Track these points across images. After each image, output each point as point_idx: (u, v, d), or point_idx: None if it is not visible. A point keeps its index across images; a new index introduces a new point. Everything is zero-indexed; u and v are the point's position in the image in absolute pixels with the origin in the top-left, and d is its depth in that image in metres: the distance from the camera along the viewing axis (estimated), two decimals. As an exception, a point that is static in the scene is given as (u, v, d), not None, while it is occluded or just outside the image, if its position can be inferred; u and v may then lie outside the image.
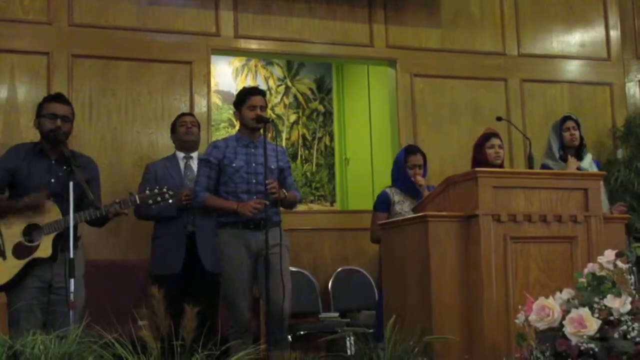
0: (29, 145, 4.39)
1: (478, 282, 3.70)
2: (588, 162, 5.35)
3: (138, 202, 4.32)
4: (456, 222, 3.79)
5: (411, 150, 5.33)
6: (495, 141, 5.21)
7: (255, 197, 4.56)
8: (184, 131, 5.39)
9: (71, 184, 3.96)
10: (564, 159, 5.31)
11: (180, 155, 5.38)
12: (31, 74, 5.87)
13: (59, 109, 4.29)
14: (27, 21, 5.91)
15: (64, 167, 4.13)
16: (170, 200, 4.42)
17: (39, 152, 4.30)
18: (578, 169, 5.24)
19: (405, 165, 5.22)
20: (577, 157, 5.33)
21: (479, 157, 5.19)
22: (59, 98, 4.38)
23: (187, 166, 5.33)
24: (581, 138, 5.40)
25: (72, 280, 3.83)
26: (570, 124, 5.39)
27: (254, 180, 4.62)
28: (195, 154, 5.39)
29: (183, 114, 5.56)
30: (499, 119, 5.75)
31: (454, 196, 3.92)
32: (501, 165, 5.18)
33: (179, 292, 4.65)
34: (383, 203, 5.22)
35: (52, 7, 5.96)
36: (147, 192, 4.35)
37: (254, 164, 4.65)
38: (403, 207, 5.14)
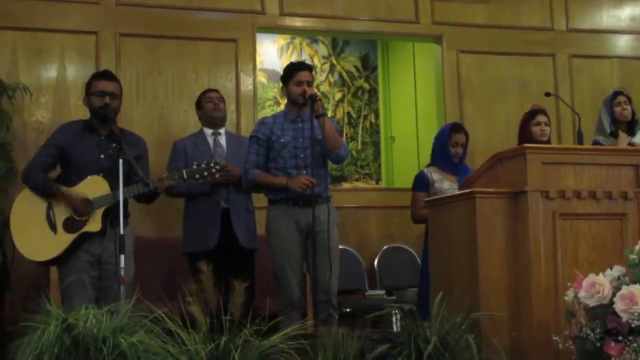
0: (79, 123, 4.45)
1: (526, 259, 3.67)
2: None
3: (185, 177, 4.32)
4: (504, 198, 3.75)
5: (456, 128, 5.29)
6: (541, 118, 5.14)
7: (304, 172, 4.56)
8: (212, 107, 5.32)
9: (120, 161, 4.00)
10: (614, 134, 5.23)
11: (209, 131, 5.32)
12: (80, 53, 5.94)
13: (107, 86, 4.34)
14: (75, 1, 5.98)
15: (113, 144, 4.18)
16: (217, 175, 4.40)
17: (89, 129, 4.36)
18: (630, 144, 5.16)
19: (449, 142, 5.19)
20: (628, 132, 5.25)
21: (525, 134, 5.14)
22: (107, 75, 4.43)
23: (216, 142, 5.28)
24: (633, 113, 5.32)
25: (122, 256, 3.88)
26: (621, 98, 5.31)
27: (302, 155, 4.62)
28: (222, 130, 5.34)
29: (208, 90, 5.51)
30: (547, 94, 5.68)
31: (502, 172, 3.88)
32: (547, 142, 5.12)
33: (215, 268, 4.65)
34: (422, 183, 5.20)
35: (100, -13, 6.03)
36: (195, 166, 4.36)
37: (301, 139, 4.64)
38: (442, 185, 5.13)
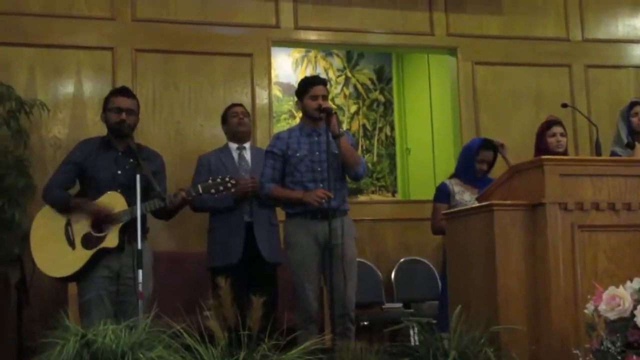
0: (96, 139, 4.48)
1: (545, 271, 3.65)
2: (657, 149, 5.23)
3: (201, 191, 4.32)
4: (522, 210, 3.74)
5: (486, 145, 5.21)
6: (557, 129, 5.12)
7: (321, 185, 4.57)
8: (237, 122, 5.36)
9: (138, 176, 4.02)
10: (631, 145, 5.19)
11: (233, 146, 5.35)
12: (96, 69, 5.98)
13: (124, 102, 4.37)
14: (91, 17, 6.02)
15: (131, 160, 4.20)
16: (233, 190, 4.42)
17: (106, 145, 4.39)
18: (647, 155, 5.12)
19: (475, 158, 5.15)
20: (646, 143, 5.21)
21: (541, 145, 5.12)
22: (123, 92, 4.46)
23: (241, 157, 5.31)
24: (650, 123, 5.28)
25: (140, 271, 3.89)
26: (638, 109, 5.27)
27: (318, 169, 4.62)
28: (247, 145, 5.38)
29: (233, 105, 5.54)
30: (564, 105, 5.65)
31: (520, 184, 3.87)
32: (564, 153, 5.10)
33: (238, 282, 4.64)
34: (443, 194, 5.18)
35: (115, 3, 6.07)
36: (210, 181, 4.36)
37: (317, 152, 4.65)
38: (463, 197, 5.10)
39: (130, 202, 4.15)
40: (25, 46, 5.85)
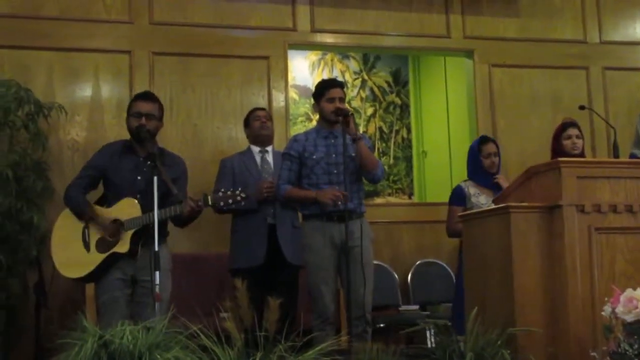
0: (119, 143, 4.51)
1: (562, 273, 3.63)
2: (677, 151, 5.20)
3: (210, 203, 4.32)
4: (539, 212, 3.73)
5: (483, 140, 5.31)
6: (572, 131, 5.11)
7: (337, 187, 4.57)
8: (259, 125, 5.40)
9: (155, 178, 4.03)
10: (651, 148, 5.17)
11: (256, 149, 5.39)
12: (114, 72, 6.02)
13: (143, 106, 4.39)
14: (109, 21, 6.06)
15: (148, 162, 4.21)
16: (243, 203, 4.40)
17: (129, 150, 4.41)
18: (666, 157, 5.09)
19: (480, 155, 5.18)
20: (665, 145, 5.18)
21: (557, 147, 5.13)
22: (145, 96, 4.49)
23: (264, 160, 5.36)
24: (670, 125, 5.25)
25: (157, 273, 3.90)
26: (657, 111, 5.25)
27: (334, 171, 4.63)
28: (270, 148, 5.42)
29: (256, 109, 5.58)
30: (582, 107, 5.63)
31: (536, 187, 3.86)
32: (580, 155, 5.08)
33: (260, 284, 4.68)
34: (458, 197, 5.19)
35: (133, 6, 6.10)
36: (220, 193, 4.35)
37: (334, 155, 4.65)
38: (479, 199, 5.11)
39: (146, 208, 4.16)
40: (44, 49, 5.89)
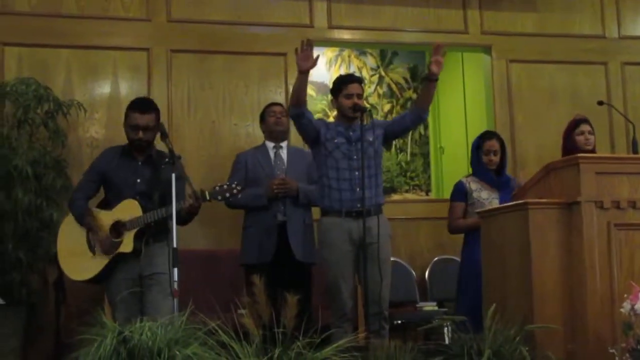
0: (119, 148, 4.61)
1: (581, 270, 3.62)
2: (697, 147, 5.16)
3: (207, 198, 4.35)
4: (557, 209, 3.72)
5: (487, 135, 5.27)
6: (584, 127, 5.08)
7: (357, 173, 4.54)
8: (274, 121, 5.40)
9: (173, 175, 4.10)
10: (670, 143, 5.14)
11: (270, 145, 5.39)
12: (132, 69, 6.05)
13: (140, 119, 4.44)
14: (127, 18, 6.09)
15: (150, 166, 4.39)
16: (239, 196, 4.46)
17: (127, 154, 4.52)
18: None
19: (480, 150, 5.16)
20: (686, 141, 5.14)
21: (569, 144, 5.08)
22: (141, 107, 4.49)
23: (277, 155, 5.35)
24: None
25: (175, 270, 3.93)
26: (676, 106, 5.21)
27: (355, 157, 4.60)
28: (284, 144, 5.42)
29: (272, 104, 5.58)
30: (600, 102, 5.60)
31: (555, 183, 3.85)
32: (592, 151, 5.05)
33: (270, 281, 4.66)
34: (459, 193, 5.19)
35: (150, 4, 6.12)
36: (217, 188, 4.38)
37: (353, 143, 4.63)
38: (481, 195, 5.10)
39: (147, 209, 4.31)
40: (62, 47, 5.92)
